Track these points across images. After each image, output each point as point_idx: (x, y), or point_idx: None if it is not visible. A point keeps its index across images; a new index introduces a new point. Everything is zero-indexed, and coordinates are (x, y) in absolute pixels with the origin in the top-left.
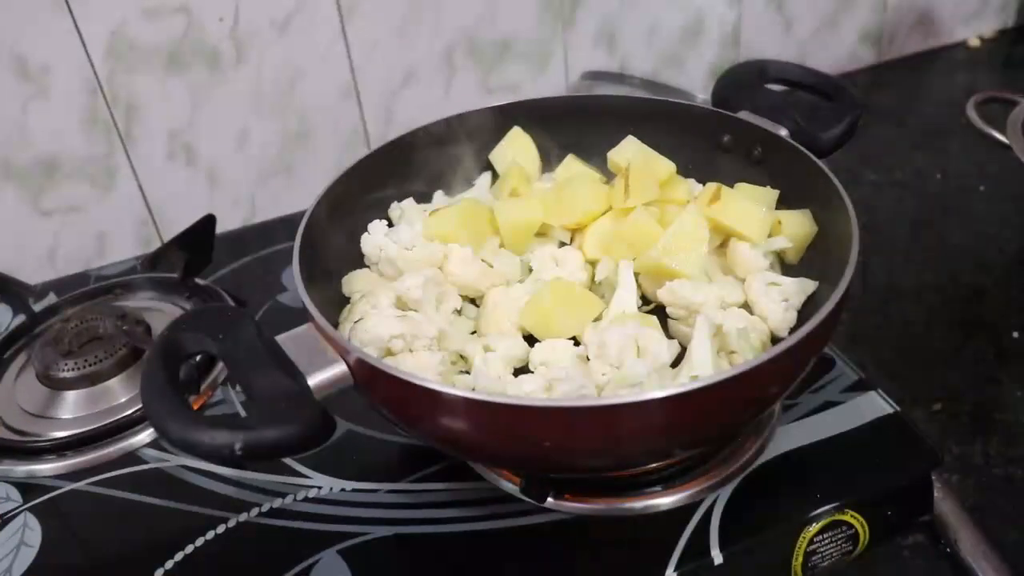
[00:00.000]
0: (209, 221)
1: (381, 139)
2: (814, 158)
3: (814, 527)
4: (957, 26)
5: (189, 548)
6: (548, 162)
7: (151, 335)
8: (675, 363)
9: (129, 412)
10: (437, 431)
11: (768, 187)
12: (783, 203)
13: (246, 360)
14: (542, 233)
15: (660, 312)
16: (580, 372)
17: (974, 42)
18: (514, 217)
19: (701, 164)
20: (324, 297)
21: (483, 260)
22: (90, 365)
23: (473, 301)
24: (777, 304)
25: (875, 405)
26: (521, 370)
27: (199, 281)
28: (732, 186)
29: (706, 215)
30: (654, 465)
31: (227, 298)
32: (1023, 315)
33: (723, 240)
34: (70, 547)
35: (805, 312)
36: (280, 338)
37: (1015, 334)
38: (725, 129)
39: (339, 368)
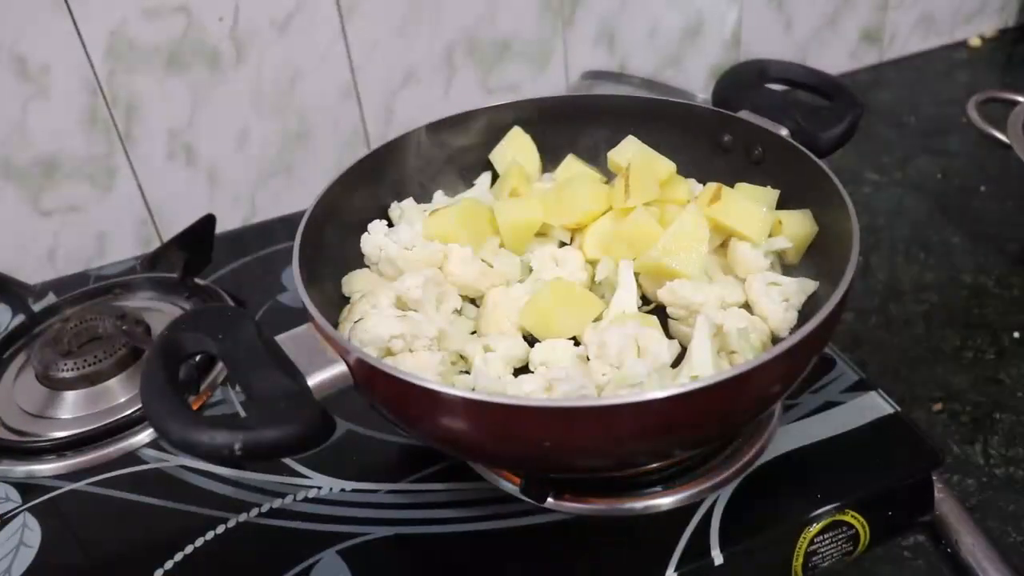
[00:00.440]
0: (209, 221)
1: (381, 139)
2: (814, 158)
3: (815, 527)
4: (957, 26)
5: (189, 548)
6: (548, 162)
7: (151, 335)
8: (675, 363)
9: (129, 412)
10: (437, 431)
11: (768, 187)
12: (783, 203)
13: (246, 360)
14: (542, 233)
15: (660, 312)
16: (580, 372)
17: (974, 42)
18: (514, 217)
19: (701, 164)
20: (324, 297)
21: (483, 260)
22: (90, 365)
23: (473, 301)
24: (777, 304)
25: (875, 405)
26: (521, 370)
27: (199, 281)
28: (732, 186)
29: (706, 215)
30: (654, 465)
31: (227, 298)
32: (1023, 315)
33: (723, 240)
34: (69, 547)
35: (805, 312)
36: (280, 338)
37: (1015, 334)
38: (725, 129)
39: (339, 368)
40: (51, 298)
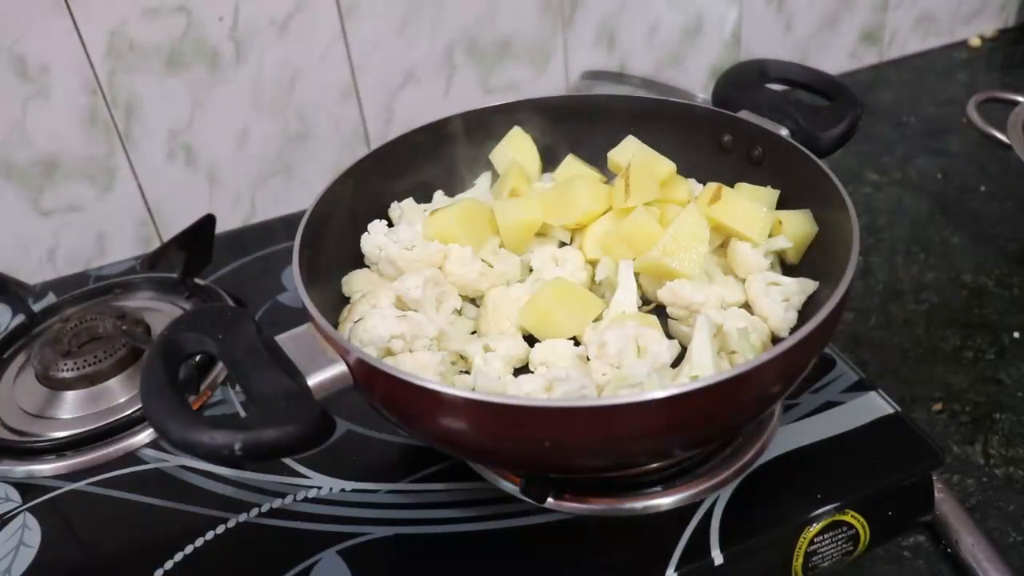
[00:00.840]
0: (209, 221)
1: (381, 139)
2: (814, 158)
3: (815, 527)
4: (957, 26)
5: (189, 548)
6: (548, 162)
7: (151, 335)
8: (675, 363)
9: (129, 412)
10: (437, 431)
11: (768, 187)
12: (783, 203)
13: (246, 360)
14: (542, 233)
15: (660, 312)
16: (580, 372)
17: (974, 42)
18: (514, 217)
19: (701, 164)
20: (324, 297)
21: (483, 260)
22: (90, 365)
23: (473, 301)
24: (777, 304)
25: (875, 405)
26: (521, 370)
27: (199, 281)
28: (732, 186)
29: (706, 215)
30: (654, 465)
31: (227, 298)
32: (1023, 315)
33: (723, 240)
34: (69, 547)
35: (806, 312)
36: (280, 338)
37: (1015, 334)
38: (725, 129)
39: (339, 368)
40: (51, 298)
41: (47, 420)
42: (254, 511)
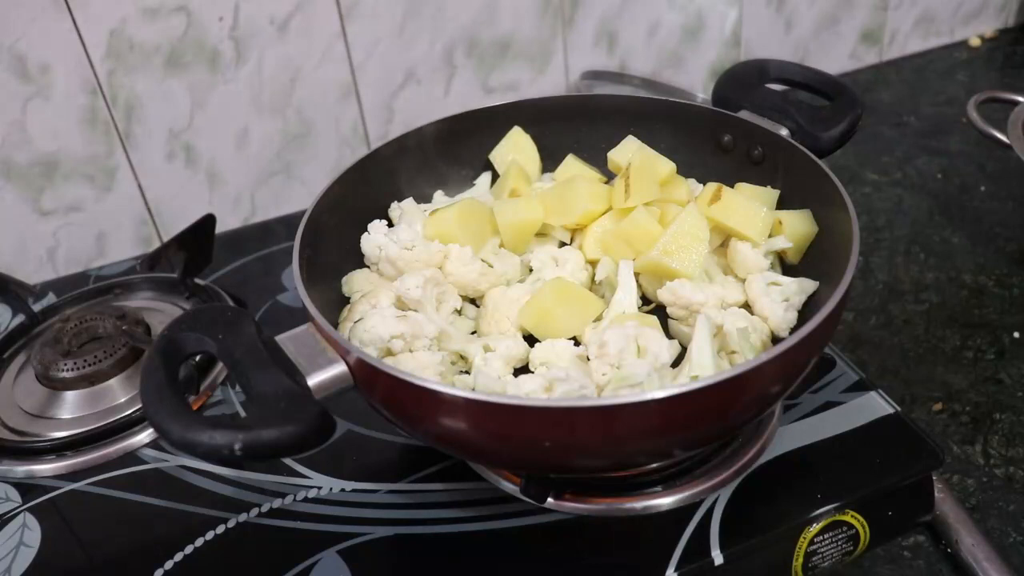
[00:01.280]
0: (209, 221)
1: (381, 139)
2: (814, 158)
3: (815, 527)
4: (957, 26)
5: (189, 548)
6: (548, 162)
7: (151, 335)
8: (675, 363)
9: (129, 412)
10: (437, 431)
11: (768, 187)
12: (783, 203)
13: (246, 360)
14: (542, 233)
15: (660, 312)
16: (580, 372)
17: (974, 42)
18: (514, 217)
19: (701, 164)
20: (324, 297)
21: (483, 260)
22: (90, 365)
23: (473, 301)
24: (777, 304)
25: (875, 405)
26: (521, 370)
27: (199, 281)
28: (732, 186)
29: (706, 215)
30: (654, 465)
31: (227, 298)
32: (1023, 315)
33: (723, 240)
34: (69, 547)
35: (806, 312)
36: (280, 338)
37: (1015, 334)
38: (725, 129)
39: (339, 368)
40: (51, 298)
41: (47, 420)
42: (254, 511)
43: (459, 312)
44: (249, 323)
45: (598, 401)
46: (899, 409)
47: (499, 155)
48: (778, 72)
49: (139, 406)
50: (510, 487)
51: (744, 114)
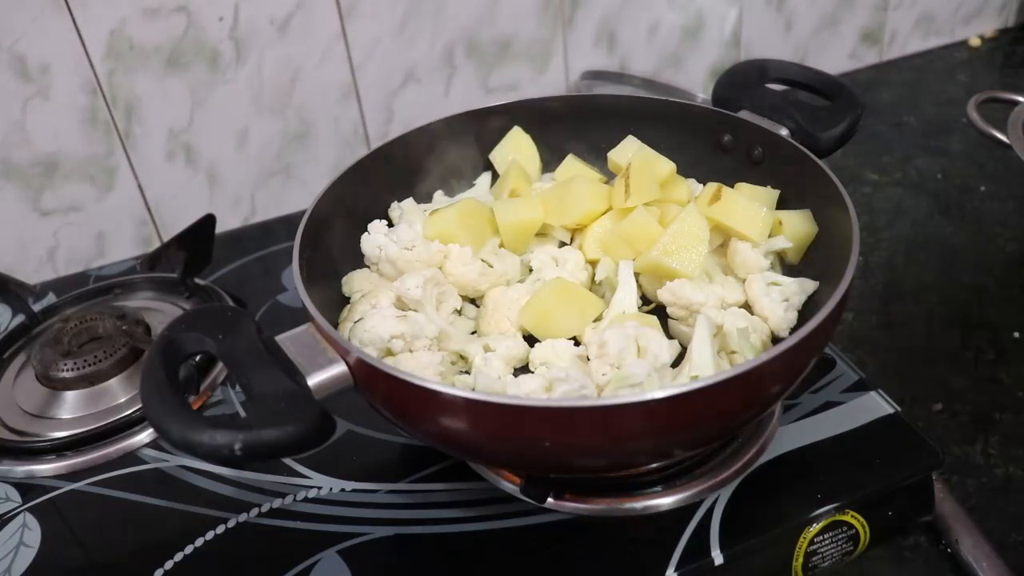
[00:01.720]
0: (209, 221)
1: (381, 139)
2: (814, 158)
3: (815, 527)
4: (957, 26)
5: (189, 548)
6: (548, 162)
7: (151, 335)
8: (675, 363)
9: (129, 412)
10: (437, 431)
11: (768, 187)
12: (783, 203)
13: (246, 360)
14: (542, 233)
15: (660, 312)
16: (580, 372)
17: (974, 42)
18: (514, 217)
19: (701, 164)
20: (324, 297)
21: (483, 260)
22: (90, 365)
23: (473, 301)
24: (777, 304)
25: (875, 405)
26: (521, 370)
27: (199, 281)
28: (732, 186)
29: (706, 215)
30: (654, 465)
31: (227, 298)
32: (1023, 315)
33: (723, 240)
34: (69, 547)
35: (806, 312)
36: (280, 338)
37: (1015, 334)
38: (725, 129)
39: (339, 368)
40: (51, 298)
41: (47, 420)
42: (254, 511)
43: (459, 312)
44: (249, 323)
45: (598, 401)
46: (899, 409)
47: (499, 155)
48: (778, 72)
49: (139, 406)
50: (510, 487)
51: (744, 114)
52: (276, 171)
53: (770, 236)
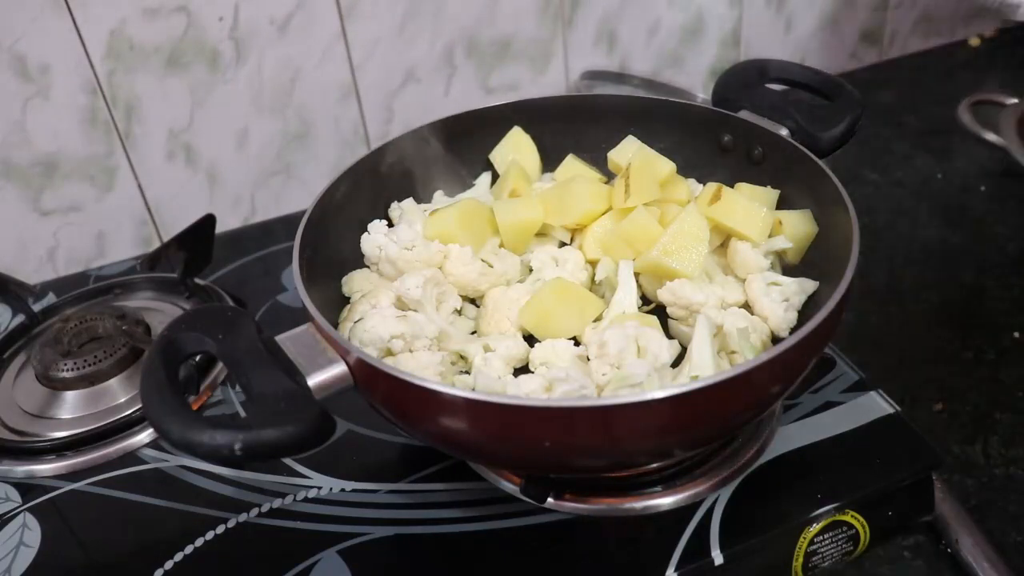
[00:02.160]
0: (209, 221)
1: (381, 139)
2: (814, 158)
3: (815, 527)
4: (957, 26)
5: (189, 548)
6: (548, 162)
7: (151, 335)
8: (675, 363)
9: (129, 412)
10: (437, 431)
11: (768, 187)
12: (783, 203)
13: (246, 360)
14: (542, 233)
15: (660, 312)
16: (580, 372)
17: (974, 42)
18: (514, 217)
19: (701, 164)
20: (324, 297)
21: (483, 260)
22: (90, 365)
23: (473, 301)
24: (778, 304)
25: (875, 405)
26: (521, 370)
27: (199, 281)
28: (732, 186)
29: (706, 215)
30: (654, 465)
31: (227, 298)
32: (1023, 315)
33: (723, 240)
34: (69, 547)
35: (806, 312)
36: (280, 338)
37: (1015, 334)
38: (725, 129)
39: (339, 368)
40: (51, 298)
41: (47, 420)
42: (254, 511)
43: (459, 312)
44: (249, 323)
45: (598, 401)
46: (899, 409)
47: (499, 155)
48: (778, 72)
49: (139, 406)
50: (510, 487)
51: (744, 114)
52: (276, 171)
53: (770, 236)
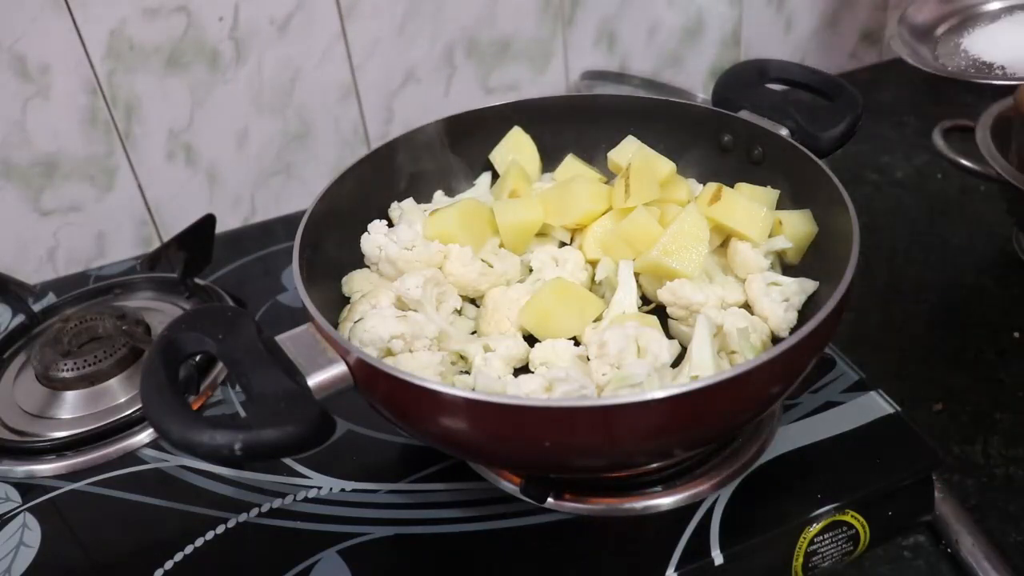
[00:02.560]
0: (209, 221)
1: (381, 139)
2: (814, 158)
3: (815, 527)
4: None
5: (189, 548)
6: (548, 162)
7: (151, 335)
8: (675, 363)
9: (129, 412)
10: (437, 431)
11: (768, 187)
12: (783, 203)
13: (246, 360)
14: (542, 233)
15: (660, 312)
16: (580, 372)
17: None
18: (514, 217)
19: (701, 164)
20: (324, 297)
21: (483, 260)
22: (90, 365)
23: (473, 301)
24: (778, 304)
25: (876, 405)
26: (521, 370)
27: (199, 281)
28: (732, 186)
29: (706, 215)
30: (654, 465)
31: (227, 298)
32: (1023, 315)
33: (723, 240)
34: (69, 547)
35: (806, 312)
36: (280, 338)
37: (1015, 334)
38: (725, 129)
39: (339, 368)
40: (51, 298)
41: (47, 420)
42: (254, 511)
43: (459, 312)
44: (249, 323)
45: (598, 401)
46: (899, 409)
47: (499, 155)
48: (778, 72)
49: (139, 406)
50: (510, 487)
51: (744, 114)
52: (276, 171)
53: (770, 236)
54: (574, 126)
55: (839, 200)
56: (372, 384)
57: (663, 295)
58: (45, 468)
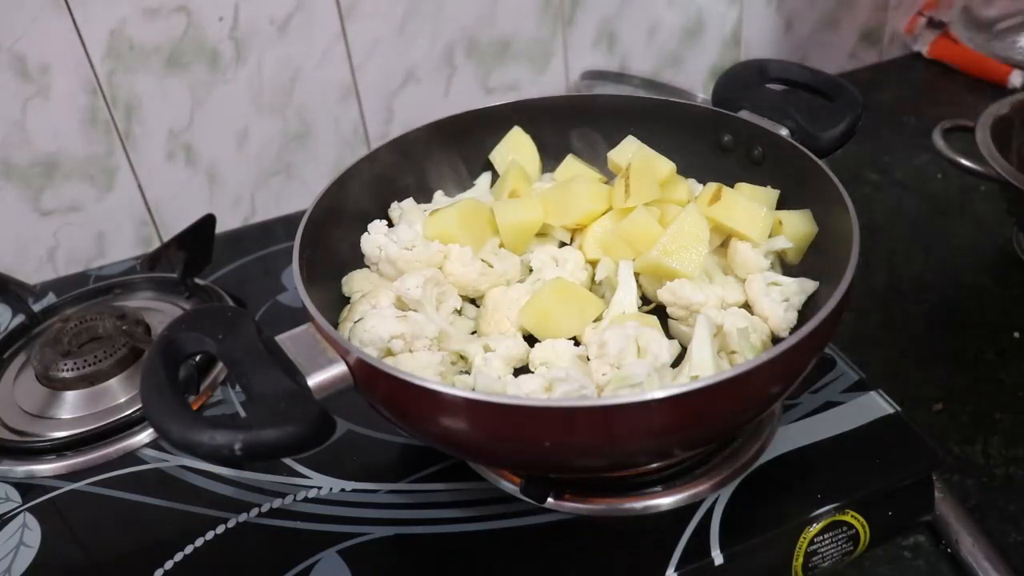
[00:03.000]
0: (209, 221)
1: (381, 139)
2: (814, 158)
3: (815, 527)
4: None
5: (189, 548)
6: (548, 162)
7: (151, 335)
8: (675, 363)
9: (129, 412)
10: (437, 431)
11: (768, 187)
12: (783, 203)
13: (246, 360)
14: (542, 233)
15: (660, 312)
16: (580, 372)
17: None
18: (514, 217)
19: (701, 164)
20: (324, 297)
21: (483, 260)
22: (90, 365)
23: (473, 301)
24: (778, 304)
25: (876, 405)
26: (521, 370)
27: (199, 281)
28: (732, 186)
29: (706, 215)
30: (654, 465)
31: (227, 298)
32: (1023, 315)
33: (723, 240)
34: (69, 547)
35: (806, 312)
36: (280, 338)
37: (1015, 334)
38: (725, 129)
39: (339, 368)
40: (51, 298)
41: (47, 420)
42: (254, 511)
43: (459, 312)
44: (249, 323)
45: (598, 401)
46: (899, 409)
47: (499, 155)
48: (778, 72)
49: (139, 406)
50: (510, 487)
51: (744, 114)
52: (276, 171)
53: (770, 236)
54: (574, 126)
55: (839, 200)
56: (372, 384)
57: (663, 295)
58: (45, 468)
